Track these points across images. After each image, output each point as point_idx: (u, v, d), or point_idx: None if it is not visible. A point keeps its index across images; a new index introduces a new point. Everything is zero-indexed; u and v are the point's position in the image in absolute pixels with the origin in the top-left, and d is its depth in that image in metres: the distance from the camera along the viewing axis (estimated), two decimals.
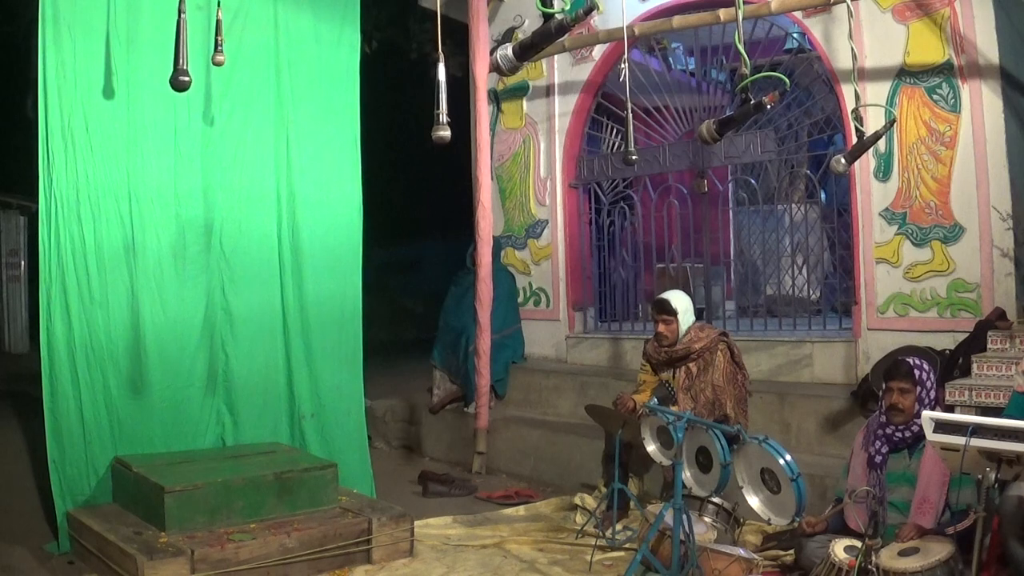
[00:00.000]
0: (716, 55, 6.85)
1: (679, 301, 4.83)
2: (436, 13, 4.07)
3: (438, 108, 3.67)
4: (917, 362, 3.86)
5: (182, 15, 3.92)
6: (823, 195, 7.24)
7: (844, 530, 3.80)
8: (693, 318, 4.90)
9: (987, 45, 5.34)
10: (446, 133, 3.69)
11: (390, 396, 7.49)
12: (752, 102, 4.38)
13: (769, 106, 4.40)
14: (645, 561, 3.74)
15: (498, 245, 7.37)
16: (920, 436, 3.67)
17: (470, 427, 6.52)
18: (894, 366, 3.90)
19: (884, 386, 3.88)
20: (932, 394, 3.80)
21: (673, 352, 4.80)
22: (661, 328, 4.81)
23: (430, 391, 7.27)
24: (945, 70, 5.48)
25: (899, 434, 3.79)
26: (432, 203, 16.58)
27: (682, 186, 7.27)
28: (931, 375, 3.83)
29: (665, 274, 7.58)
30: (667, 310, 4.80)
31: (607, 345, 7.27)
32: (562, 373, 7.08)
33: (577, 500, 5.10)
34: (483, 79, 6.53)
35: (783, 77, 4.80)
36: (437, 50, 3.82)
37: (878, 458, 3.83)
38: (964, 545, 3.33)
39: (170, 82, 3.94)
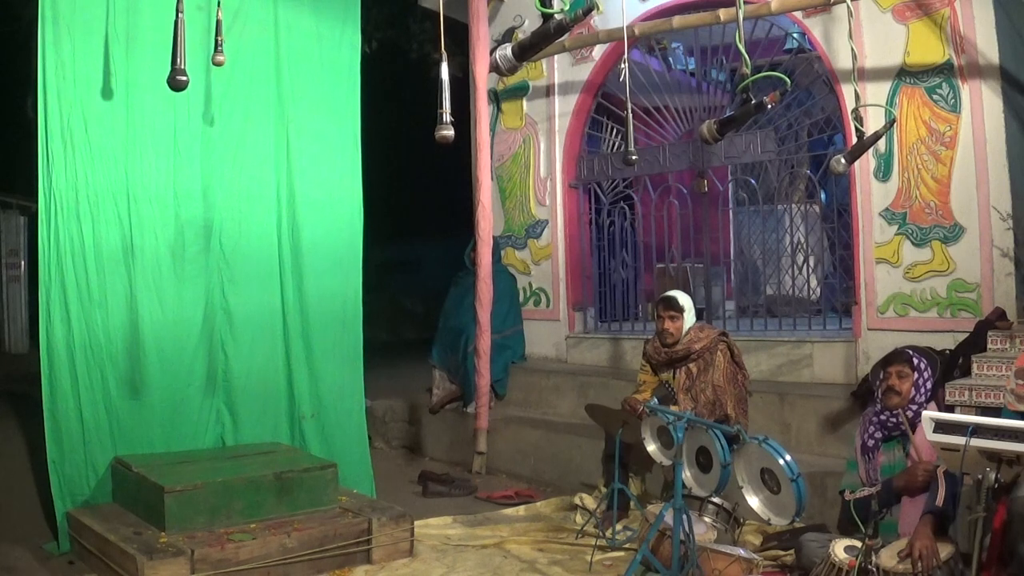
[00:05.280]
0: (716, 55, 6.84)
1: (684, 300, 4.87)
2: (437, 13, 4.08)
3: (441, 107, 3.67)
4: (916, 353, 3.92)
5: (180, 15, 3.92)
6: (823, 195, 7.24)
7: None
8: (694, 318, 4.91)
9: (987, 45, 5.33)
10: (449, 132, 3.70)
11: (390, 396, 7.49)
12: (753, 102, 4.38)
13: (770, 106, 4.41)
14: (645, 561, 3.74)
15: (497, 245, 7.37)
16: (914, 424, 3.72)
17: (470, 427, 6.52)
18: (894, 353, 3.96)
19: (882, 373, 3.91)
20: (928, 384, 3.84)
21: (673, 352, 4.81)
22: (667, 325, 4.81)
23: (430, 391, 7.27)
24: (945, 70, 5.47)
25: (892, 419, 3.82)
26: (432, 203, 16.59)
27: (682, 186, 7.27)
28: (927, 368, 3.87)
29: (665, 274, 7.58)
30: (674, 306, 4.81)
31: (607, 345, 7.27)
32: (562, 373, 7.08)
33: (577, 500, 5.10)
34: (483, 79, 6.53)
35: (784, 77, 4.80)
36: (438, 50, 3.82)
37: (870, 442, 3.88)
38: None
39: (168, 82, 3.94)
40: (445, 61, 3.74)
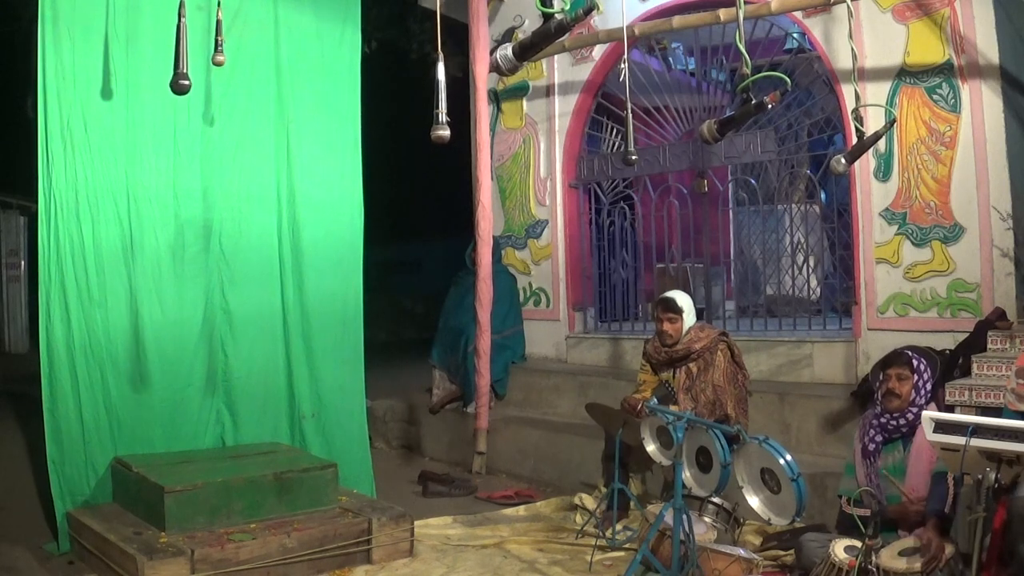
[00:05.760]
0: (716, 55, 6.84)
1: (683, 300, 4.85)
2: (436, 13, 4.07)
3: (437, 107, 3.68)
4: (915, 354, 3.90)
5: (182, 19, 3.92)
6: (823, 195, 7.24)
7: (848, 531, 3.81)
8: (694, 318, 4.90)
9: (987, 45, 5.33)
10: (445, 132, 3.69)
11: (390, 396, 7.49)
12: (753, 102, 4.37)
13: (771, 106, 4.39)
14: (645, 561, 3.74)
15: (497, 245, 7.37)
16: (915, 426, 3.71)
17: (470, 427, 6.52)
18: (893, 355, 3.94)
19: (881, 375, 3.90)
20: (928, 385, 3.83)
21: (673, 352, 4.80)
22: (666, 326, 4.80)
23: (430, 391, 7.27)
24: (945, 70, 5.47)
25: (893, 422, 3.81)
26: (432, 203, 16.61)
27: (682, 186, 7.27)
28: (928, 369, 3.86)
29: (665, 274, 7.58)
30: (673, 308, 4.80)
31: (607, 345, 7.27)
32: (562, 373, 7.08)
33: (577, 500, 5.10)
34: (483, 79, 6.53)
35: (785, 77, 4.79)
36: (437, 50, 3.82)
37: (871, 446, 3.86)
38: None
39: (170, 86, 3.94)
40: (441, 61, 3.74)
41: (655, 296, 5.30)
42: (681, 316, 4.79)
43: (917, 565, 3.31)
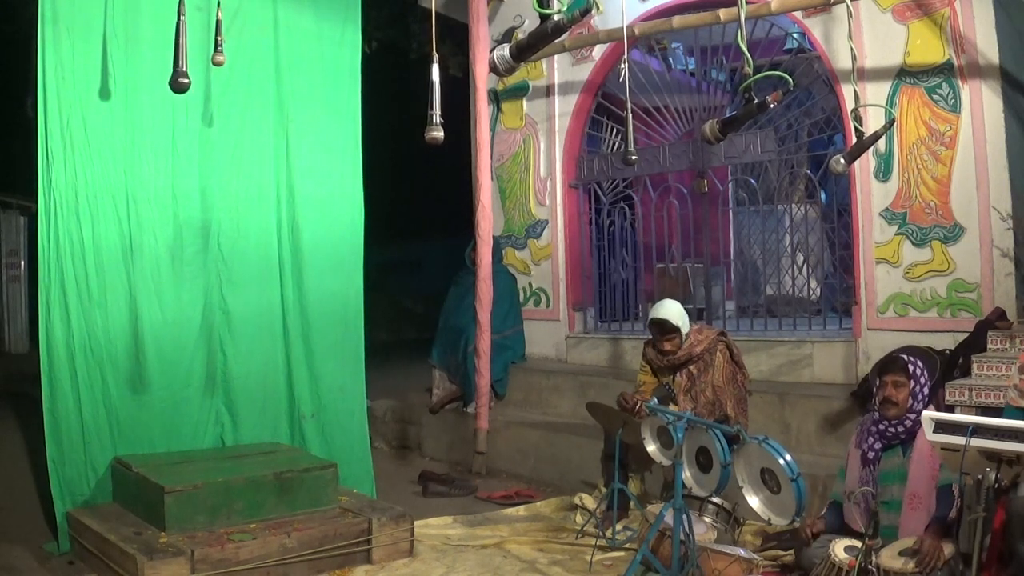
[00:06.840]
0: (716, 55, 6.84)
1: (675, 316, 4.78)
2: (432, 13, 4.07)
3: (431, 108, 3.68)
4: (912, 359, 3.88)
5: (181, 17, 3.92)
6: (823, 195, 7.24)
7: (843, 530, 3.81)
8: (688, 324, 4.87)
9: (987, 45, 5.33)
10: (439, 134, 3.69)
11: (390, 396, 7.50)
12: (756, 101, 4.37)
13: (772, 105, 4.39)
14: (645, 561, 3.74)
15: (497, 245, 7.37)
16: (913, 432, 3.70)
17: (470, 427, 6.52)
18: (889, 361, 3.92)
19: (878, 381, 3.87)
20: (926, 390, 3.81)
21: (675, 359, 4.79)
22: (667, 346, 4.79)
23: (430, 391, 7.27)
24: (945, 70, 5.48)
25: (892, 429, 3.78)
26: (432, 203, 16.60)
27: (682, 186, 7.27)
28: (925, 372, 3.84)
29: (665, 274, 7.58)
30: (668, 329, 4.77)
31: (607, 345, 7.27)
32: (562, 373, 7.08)
33: (577, 500, 5.10)
34: (483, 79, 6.53)
35: (787, 76, 4.79)
36: (432, 51, 3.82)
37: (871, 454, 3.83)
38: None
39: (169, 84, 3.95)
40: (436, 63, 3.74)
41: (655, 297, 5.29)
42: (678, 331, 4.78)
43: (912, 565, 3.32)
